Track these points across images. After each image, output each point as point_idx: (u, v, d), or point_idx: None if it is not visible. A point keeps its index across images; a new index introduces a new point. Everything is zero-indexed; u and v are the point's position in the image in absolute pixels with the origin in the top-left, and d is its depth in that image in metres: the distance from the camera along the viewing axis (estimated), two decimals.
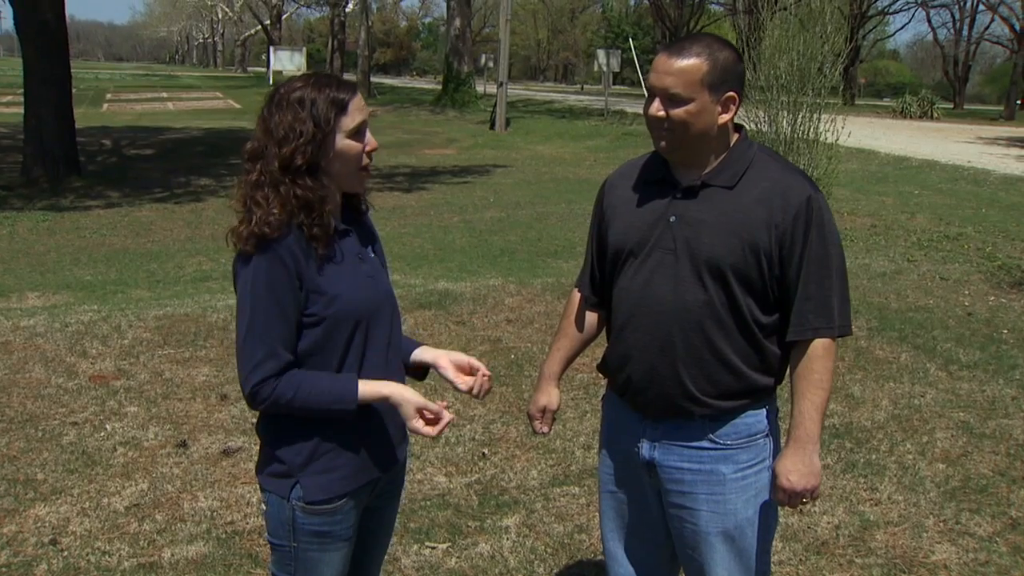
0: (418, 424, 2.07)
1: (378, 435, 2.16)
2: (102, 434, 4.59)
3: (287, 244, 1.96)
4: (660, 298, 2.21)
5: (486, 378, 2.24)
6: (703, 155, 2.21)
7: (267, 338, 1.97)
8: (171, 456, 4.37)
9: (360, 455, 2.12)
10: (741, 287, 2.17)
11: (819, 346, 2.19)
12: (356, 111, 2.05)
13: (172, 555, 3.53)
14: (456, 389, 2.24)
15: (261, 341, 1.96)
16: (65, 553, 3.53)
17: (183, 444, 4.49)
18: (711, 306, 2.18)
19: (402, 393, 2.07)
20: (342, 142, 2.04)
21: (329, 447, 2.07)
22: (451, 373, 2.24)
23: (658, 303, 2.21)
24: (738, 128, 2.28)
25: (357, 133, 2.06)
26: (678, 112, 2.13)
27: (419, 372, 2.34)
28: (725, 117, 2.18)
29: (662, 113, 2.15)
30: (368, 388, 2.04)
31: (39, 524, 3.73)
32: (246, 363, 1.98)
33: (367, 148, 2.08)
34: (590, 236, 2.47)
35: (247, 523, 3.76)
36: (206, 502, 3.93)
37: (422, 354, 2.30)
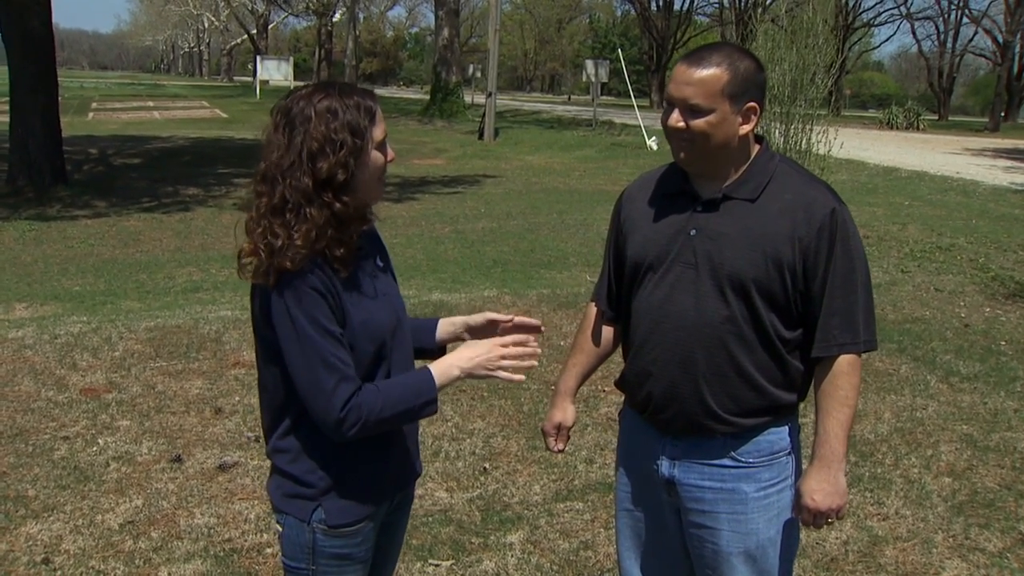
0: (505, 373, 2.01)
1: (399, 452, 2.10)
2: (94, 449, 4.50)
3: (314, 271, 1.87)
4: (681, 314, 2.15)
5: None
6: (724, 166, 2.16)
7: (333, 364, 1.87)
8: (166, 471, 4.28)
9: (382, 475, 2.06)
10: (764, 302, 2.12)
11: (844, 362, 2.14)
12: (381, 120, 1.97)
13: (169, 574, 3.45)
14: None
15: (329, 369, 1.87)
16: (58, 572, 3.44)
17: (178, 459, 4.40)
18: (734, 322, 2.13)
19: (469, 364, 2.00)
20: (371, 153, 1.95)
21: (353, 469, 2.01)
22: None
23: (679, 319, 2.16)
24: (759, 139, 2.23)
25: (382, 144, 1.98)
26: (698, 123, 2.08)
27: (439, 352, 2.26)
28: (746, 128, 2.13)
29: (682, 124, 2.10)
30: (441, 375, 1.99)
31: (31, 542, 3.64)
32: (321, 396, 1.87)
33: (388, 159, 2.01)
34: (607, 249, 2.42)
35: (245, 540, 3.68)
36: (203, 518, 3.84)
37: (441, 334, 2.27)
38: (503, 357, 2.01)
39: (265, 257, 1.86)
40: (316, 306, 1.87)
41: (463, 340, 2.22)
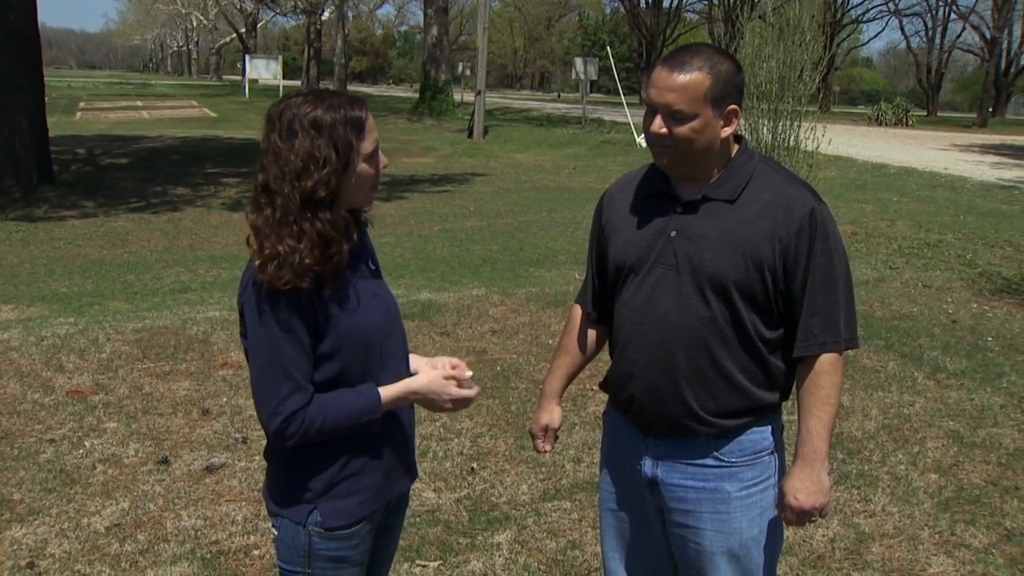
0: (458, 394, 2.09)
1: (395, 455, 2.10)
2: (80, 451, 4.48)
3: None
4: (663, 315, 2.16)
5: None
6: (705, 169, 2.16)
7: (291, 373, 1.88)
8: (152, 473, 4.26)
9: (379, 477, 2.06)
10: (745, 303, 2.12)
11: (825, 361, 2.14)
12: (370, 131, 1.94)
13: None
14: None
15: (285, 376, 1.88)
16: None
17: (165, 461, 4.38)
18: (715, 323, 2.12)
19: (425, 386, 2.06)
20: (359, 167, 1.93)
21: (350, 472, 2.01)
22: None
23: (661, 320, 2.16)
24: (738, 139, 2.23)
25: (372, 156, 1.95)
26: (682, 129, 2.07)
27: None
28: (728, 130, 2.12)
29: (665, 131, 2.09)
30: (390, 393, 2.01)
31: (15, 547, 3.62)
32: (270, 400, 1.89)
33: (382, 166, 2.00)
34: (590, 251, 2.42)
35: (232, 542, 3.67)
36: (190, 521, 3.83)
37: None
38: (453, 397, 2.09)
39: (280, 268, 1.85)
40: (294, 315, 1.87)
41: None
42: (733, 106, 2.10)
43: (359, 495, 2.03)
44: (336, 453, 1.99)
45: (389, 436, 2.06)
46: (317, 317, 1.90)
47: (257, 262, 1.87)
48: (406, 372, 2.13)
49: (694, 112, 2.05)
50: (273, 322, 1.87)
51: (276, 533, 2.06)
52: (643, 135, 2.21)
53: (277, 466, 2.06)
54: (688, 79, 2.05)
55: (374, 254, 2.15)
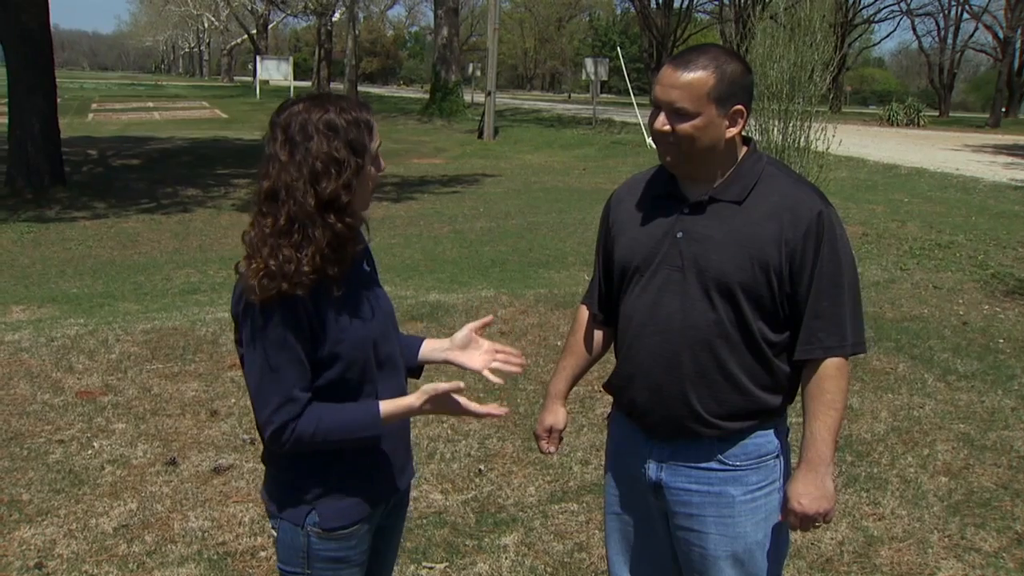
0: (473, 408, 2.04)
1: (392, 456, 2.10)
2: (89, 452, 4.49)
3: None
4: (668, 317, 2.15)
5: (508, 356, 2.21)
6: (710, 169, 2.15)
7: (283, 383, 1.88)
8: (160, 474, 4.27)
9: (376, 477, 2.07)
10: (751, 305, 2.11)
11: (831, 365, 2.12)
12: (376, 133, 1.95)
13: None
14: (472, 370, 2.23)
15: (277, 387, 1.88)
16: None
17: (173, 462, 4.39)
18: (720, 325, 2.11)
19: (426, 403, 1.99)
20: (368, 169, 1.93)
21: (346, 472, 2.01)
22: (463, 360, 2.22)
23: (666, 322, 2.15)
24: (747, 141, 2.22)
25: (376, 158, 1.96)
26: (684, 127, 2.06)
27: (417, 371, 2.29)
28: (733, 131, 2.11)
29: (667, 127, 2.08)
30: (390, 409, 1.98)
31: (24, 547, 3.63)
32: (263, 409, 1.90)
33: (380, 170, 2.00)
34: (597, 252, 2.42)
35: (239, 544, 3.68)
36: (197, 522, 3.84)
37: (428, 354, 2.27)
38: (469, 404, 2.04)
39: (267, 278, 1.83)
40: (291, 324, 1.86)
41: (447, 361, 2.24)
42: (739, 107, 2.09)
43: (356, 496, 2.03)
44: (333, 455, 1.99)
45: (385, 437, 2.05)
46: (312, 324, 1.89)
47: (250, 280, 1.85)
48: (402, 376, 2.13)
49: (697, 110, 2.04)
50: (265, 334, 1.87)
51: (276, 534, 2.06)
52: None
53: (275, 468, 2.06)
54: (692, 77, 2.04)
55: (371, 256, 2.15)
